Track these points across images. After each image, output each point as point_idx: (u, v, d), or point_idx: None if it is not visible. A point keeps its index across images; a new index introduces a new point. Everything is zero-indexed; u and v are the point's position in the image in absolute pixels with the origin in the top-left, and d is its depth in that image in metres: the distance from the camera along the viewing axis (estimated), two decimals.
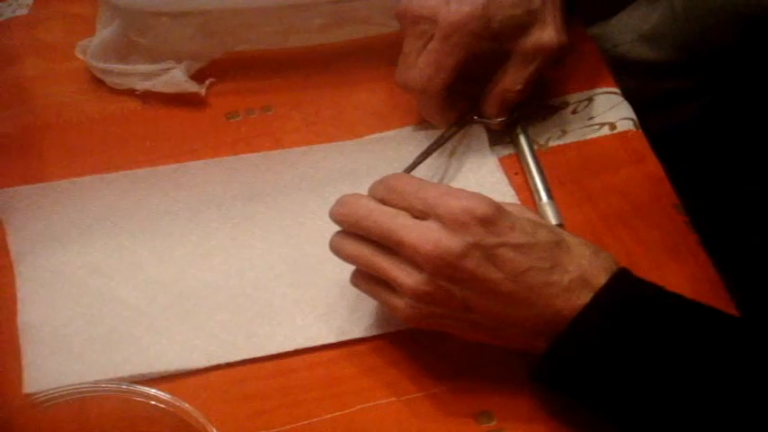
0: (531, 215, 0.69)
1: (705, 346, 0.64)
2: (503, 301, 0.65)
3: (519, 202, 0.81)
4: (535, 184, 0.82)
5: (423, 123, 0.87)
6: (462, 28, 0.77)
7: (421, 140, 0.85)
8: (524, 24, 0.79)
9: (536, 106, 0.85)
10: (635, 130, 0.87)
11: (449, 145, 0.84)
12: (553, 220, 0.79)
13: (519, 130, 0.86)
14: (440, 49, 0.78)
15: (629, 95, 0.90)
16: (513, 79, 0.81)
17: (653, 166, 0.85)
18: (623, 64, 1.10)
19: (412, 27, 0.80)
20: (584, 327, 0.64)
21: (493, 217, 0.64)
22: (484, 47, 0.79)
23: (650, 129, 0.88)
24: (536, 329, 0.66)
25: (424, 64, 0.79)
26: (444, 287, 0.65)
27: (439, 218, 0.64)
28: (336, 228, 0.70)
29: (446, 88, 0.80)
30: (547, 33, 0.79)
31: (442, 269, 0.64)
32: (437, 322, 0.68)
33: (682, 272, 0.77)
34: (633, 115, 0.88)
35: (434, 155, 0.82)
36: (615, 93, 0.90)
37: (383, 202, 0.68)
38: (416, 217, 0.66)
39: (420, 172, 0.79)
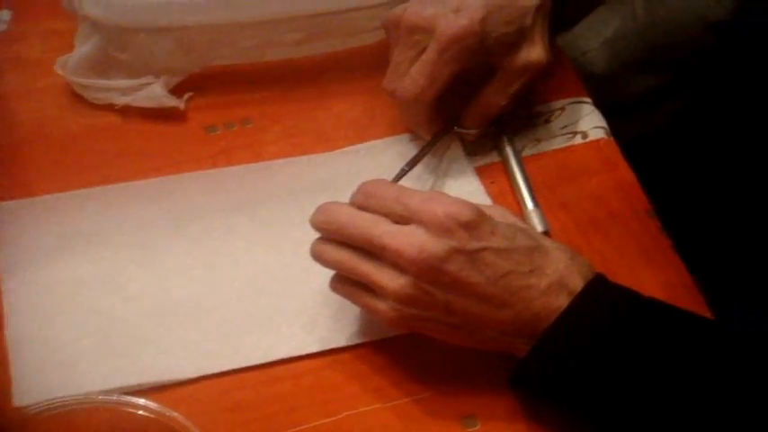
0: (511, 218, 0.70)
1: (681, 349, 0.65)
2: (484, 303, 0.66)
3: None
4: (521, 192, 0.84)
5: (401, 134, 0.88)
6: (459, 42, 0.78)
7: (399, 151, 0.87)
8: (515, 41, 0.80)
9: (517, 116, 0.87)
10: (606, 138, 0.89)
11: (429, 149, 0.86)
12: (539, 227, 0.80)
13: (505, 140, 0.87)
14: (435, 60, 0.78)
15: (599, 102, 0.92)
16: (498, 95, 0.83)
17: (625, 173, 0.86)
18: (592, 71, 1.12)
19: (406, 36, 0.80)
20: (561, 333, 0.66)
21: (476, 222, 0.65)
22: (475, 61, 0.80)
23: (621, 136, 0.89)
24: (516, 331, 0.67)
25: (417, 74, 0.80)
26: (427, 290, 0.66)
27: (422, 223, 0.65)
28: (317, 235, 0.71)
29: (436, 99, 0.81)
30: (535, 51, 0.81)
31: (425, 272, 0.65)
32: (419, 325, 0.69)
33: (656, 276, 0.79)
34: (604, 124, 0.90)
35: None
36: (586, 102, 0.92)
37: (362, 208, 0.69)
38: (396, 222, 0.67)
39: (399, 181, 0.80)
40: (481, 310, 0.67)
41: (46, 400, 0.67)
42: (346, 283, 0.71)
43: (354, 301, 0.72)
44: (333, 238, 0.70)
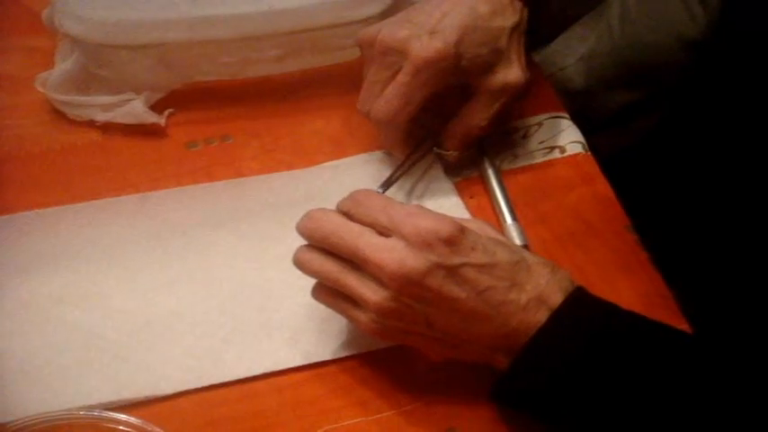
0: (492, 233, 0.71)
1: (659, 362, 0.66)
2: (464, 317, 0.67)
3: None
4: (500, 207, 0.84)
5: (379, 149, 0.89)
6: (434, 65, 0.77)
7: (377, 167, 0.87)
8: (491, 62, 0.80)
9: (495, 132, 0.87)
10: (584, 152, 0.90)
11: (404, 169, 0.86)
12: (518, 241, 0.81)
13: (484, 155, 0.88)
14: (409, 82, 0.78)
15: (576, 117, 0.93)
16: (479, 116, 0.82)
17: (602, 186, 0.87)
18: (569, 86, 1.13)
19: (380, 57, 0.80)
20: (539, 348, 0.66)
21: (456, 238, 0.66)
22: (450, 82, 0.80)
23: (599, 150, 0.90)
24: (495, 345, 0.68)
25: (391, 96, 0.79)
26: (408, 304, 0.66)
27: (404, 237, 0.66)
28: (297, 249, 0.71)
29: (410, 120, 0.81)
30: (513, 72, 0.81)
31: (406, 287, 0.65)
32: (400, 337, 0.70)
33: (634, 289, 0.80)
34: (582, 138, 0.91)
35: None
36: (564, 117, 0.92)
37: (349, 215, 0.69)
38: (381, 233, 0.67)
39: None
40: (461, 323, 0.67)
41: (26, 416, 0.67)
42: (328, 292, 0.71)
43: (336, 311, 0.72)
44: (317, 245, 0.70)
